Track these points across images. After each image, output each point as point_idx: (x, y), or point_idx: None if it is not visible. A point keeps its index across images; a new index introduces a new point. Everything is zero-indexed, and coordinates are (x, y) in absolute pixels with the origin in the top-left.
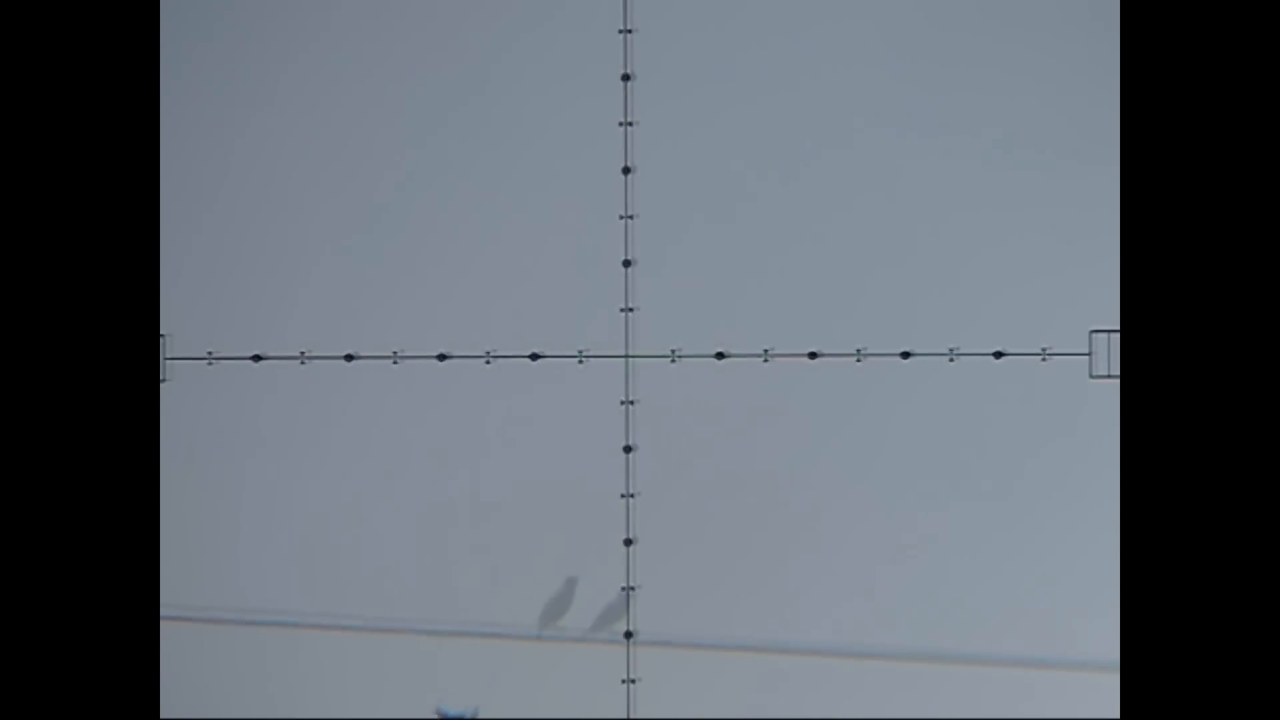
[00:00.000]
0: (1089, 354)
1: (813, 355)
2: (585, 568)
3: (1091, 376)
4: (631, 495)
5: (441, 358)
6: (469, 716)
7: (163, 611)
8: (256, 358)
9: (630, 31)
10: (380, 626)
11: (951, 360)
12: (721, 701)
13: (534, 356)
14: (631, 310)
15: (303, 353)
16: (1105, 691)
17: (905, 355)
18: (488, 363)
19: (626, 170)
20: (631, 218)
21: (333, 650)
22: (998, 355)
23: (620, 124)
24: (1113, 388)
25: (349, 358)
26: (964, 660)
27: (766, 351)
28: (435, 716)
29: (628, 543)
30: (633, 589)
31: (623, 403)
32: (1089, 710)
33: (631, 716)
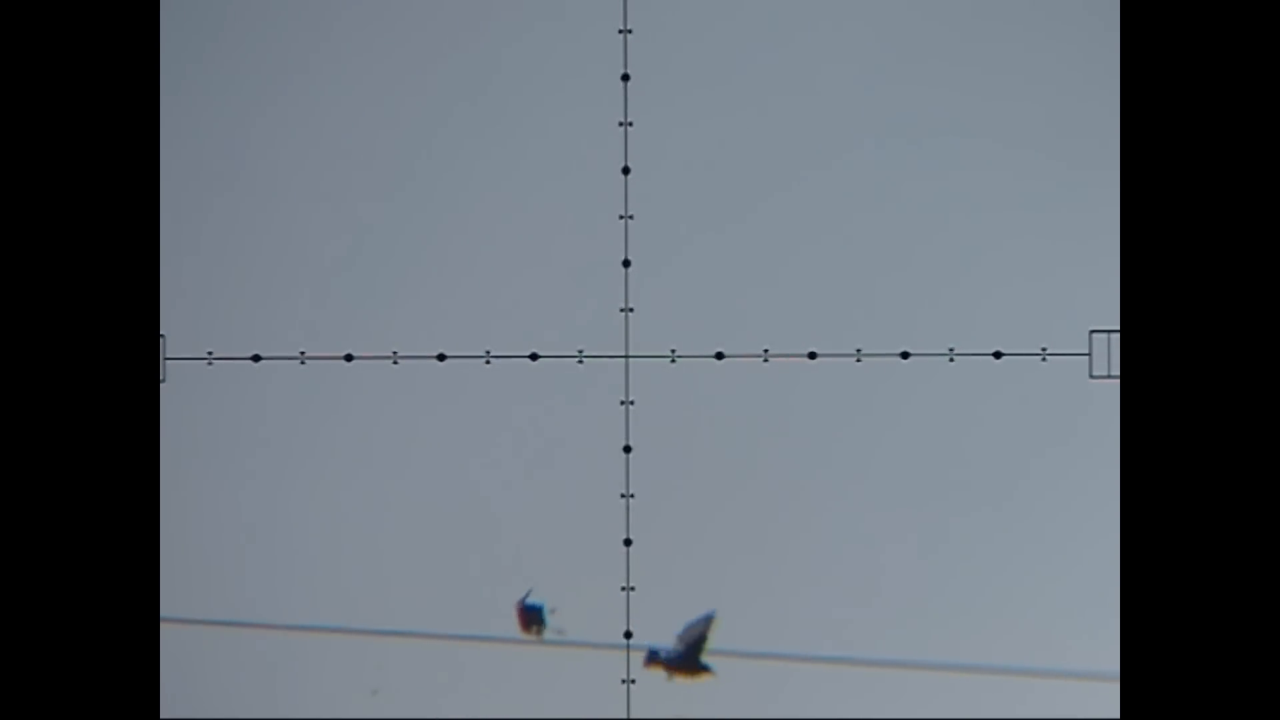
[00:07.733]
0: (1089, 354)
1: (812, 355)
2: (584, 568)
3: (1091, 377)
4: (631, 496)
5: (441, 358)
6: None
7: (162, 614)
8: (256, 358)
9: (629, 31)
10: (378, 624)
11: (951, 360)
12: (720, 702)
13: (533, 356)
14: (631, 310)
15: (302, 353)
16: (1104, 697)
17: (905, 355)
18: (487, 363)
19: (625, 170)
20: (631, 218)
21: (331, 651)
22: (997, 355)
23: (620, 124)
24: (1113, 388)
25: (349, 358)
26: (963, 663)
27: (766, 352)
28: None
29: (627, 543)
30: (631, 589)
31: (622, 403)
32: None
33: (630, 717)
